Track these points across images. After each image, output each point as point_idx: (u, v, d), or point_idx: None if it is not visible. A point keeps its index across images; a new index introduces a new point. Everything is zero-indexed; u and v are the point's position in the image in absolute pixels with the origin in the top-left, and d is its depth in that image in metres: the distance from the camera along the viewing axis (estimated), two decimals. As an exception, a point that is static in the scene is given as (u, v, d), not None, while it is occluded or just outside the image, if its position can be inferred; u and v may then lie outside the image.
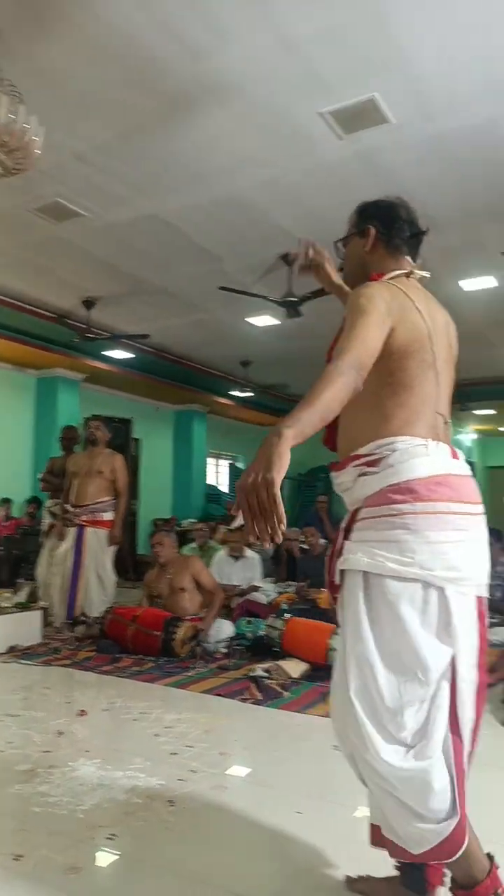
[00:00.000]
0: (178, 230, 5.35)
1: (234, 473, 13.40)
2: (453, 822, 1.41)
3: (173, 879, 1.77)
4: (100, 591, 5.18)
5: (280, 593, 6.15)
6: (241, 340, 8.41)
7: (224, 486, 13.34)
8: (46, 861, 1.84)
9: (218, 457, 13.66)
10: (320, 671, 3.88)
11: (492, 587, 5.42)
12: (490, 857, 1.50)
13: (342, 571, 1.59)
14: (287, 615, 4.42)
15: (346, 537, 1.60)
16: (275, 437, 1.27)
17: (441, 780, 1.41)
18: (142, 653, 4.30)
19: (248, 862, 1.88)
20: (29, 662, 4.18)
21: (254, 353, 9.01)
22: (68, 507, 5.33)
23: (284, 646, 4.07)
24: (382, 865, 1.84)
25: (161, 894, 1.70)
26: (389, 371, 1.53)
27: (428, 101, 3.68)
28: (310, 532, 5.94)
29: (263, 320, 7.50)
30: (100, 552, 5.24)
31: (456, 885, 1.49)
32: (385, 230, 1.69)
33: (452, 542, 1.47)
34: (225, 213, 5.03)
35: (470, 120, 3.85)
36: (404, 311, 1.54)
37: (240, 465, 13.91)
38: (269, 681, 3.66)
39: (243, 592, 5.84)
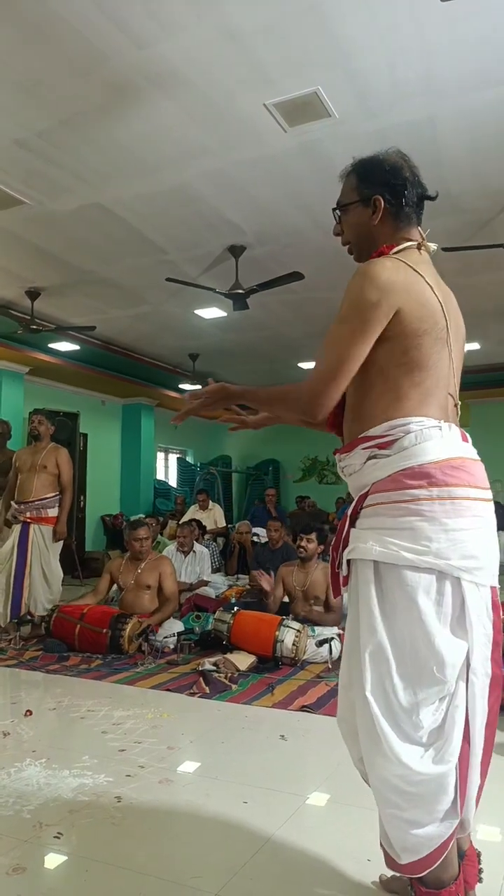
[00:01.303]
0: (124, 221, 5.28)
1: (183, 468, 13.34)
2: (453, 823, 1.39)
3: (120, 874, 1.77)
4: (45, 589, 5.09)
5: (230, 586, 6.18)
6: (189, 333, 8.37)
7: (173, 481, 13.27)
8: (-11, 864, 1.80)
9: (167, 451, 13.57)
10: (267, 663, 3.93)
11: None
12: (462, 856, 1.48)
13: (349, 562, 1.51)
14: (235, 608, 4.44)
15: (352, 524, 1.52)
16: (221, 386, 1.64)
17: (453, 784, 1.37)
18: (89, 651, 4.25)
19: (196, 853, 1.89)
20: (-28, 663, 4.08)
21: (202, 345, 8.98)
22: (13, 503, 5.21)
23: (232, 639, 4.09)
24: (329, 851, 1.89)
25: (108, 890, 1.70)
26: (404, 349, 1.44)
27: (369, 96, 3.73)
28: (274, 526, 5.98)
29: (211, 312, 7.48)
30: (45, 549, 5.14)
31: (419, 882, 1.46)
32: (394, 199, 1.54)
33: (469, 530, 1.40)
34: (170, 203, 4.99)
35: (409, 116, 3.92)
36: (411, 287, 1.44)
37: (189, 458, 13.86)
38: (218, 674, 3.67)
39: (192, 587, 5.84)
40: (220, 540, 8.05)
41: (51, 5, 3.03)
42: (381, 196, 1.54)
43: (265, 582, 4.64)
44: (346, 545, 1.53)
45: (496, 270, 6.22)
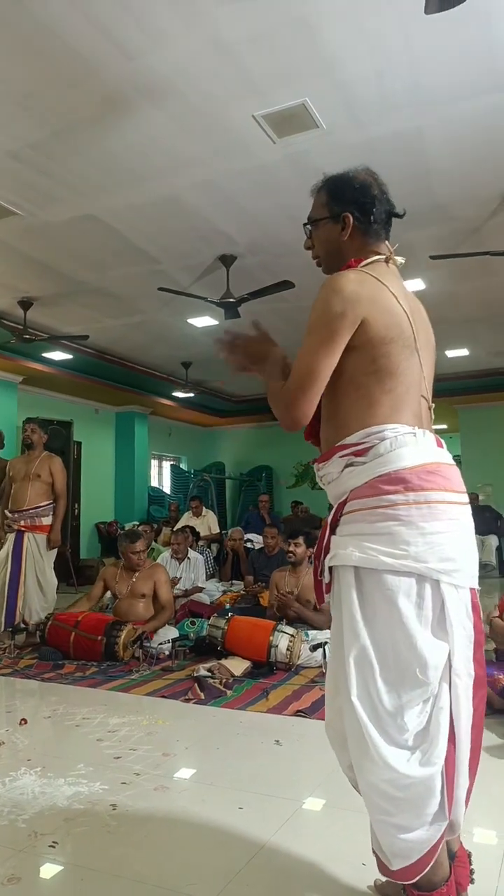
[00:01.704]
0: (116, 231, 5.31)
1: (177, 475, 13.34)
2: (442, 826, 1.40)
3: (116, 882, 1.77)
4: (40, 597, 5.09)
5: (224, 592, 6.19)
6: (182, 341, 8.40)
7: (167, 488, 13.27)
8: (-15, 873, 1.81)
9: (160, 458, 13.58)
10: (262, 668, 3.94)
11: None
12: (453, 857, 1.49)
13: (331, 569, 1.53)
14: (230, 614, 4.45)
15: (332, 532, 1.54)
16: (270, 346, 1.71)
17: (440, 786, 1.38)
18: (84, 658, 4.26)
19: (192, 860, 1.90)
20: (-34, 673, 4.07)
21: (194, 353, 9.01)
22: (7, 512, 5.21)
23: (227, 645, 4.10)
24: (324, 856, 1.90)
25: (103, 897, 1.71)
26: (372, 358, 1.48)
27: (356, 107, 3.78)
28: (270, 533, 6.00)
29: (203, 321, 7.51)
30: (39, 558, 5.14)
31: (413, 885, 1.46)
32: (363, 217, 1.59)
33: (446, 533, 1.43)
34: (162, 213, 5.02)
35: (397, 127, 3.97)
36: (377, 298, 1.49)
37: (182, 466, 13.87)
38: (212, 680, 3.68)
39: (187, 593, 5.85)
40: (214, 546, 8.06)
41: (41, 18, 3.07)
42: (351, 213, 1.59)
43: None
44: (327, 552, 1.55)
45: (484, 277, 6.29)
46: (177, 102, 3.71)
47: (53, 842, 1.98)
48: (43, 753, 2.71)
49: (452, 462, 1.54)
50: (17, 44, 3.23)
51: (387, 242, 1.64)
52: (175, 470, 13.52)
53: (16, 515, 5.15)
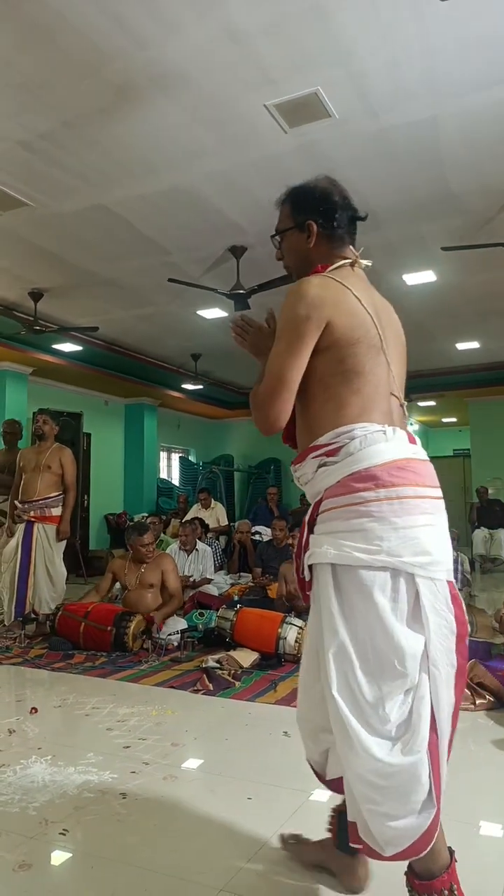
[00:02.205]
0: (126, 221, 5.30)
1: (186, 467, 13.37)
2: (431, 814, 1.42)
3: (126, 870, 1.79)
4: (49, 587, 5.11)
5: (232, 584, 6.21)
6: (191, 333, 8.39)
7: (175, 480, 13.30)
8: (-3, 859, 1.83)
9: (169, 450, 13.60)
10: (270, 660, 3.95)
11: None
12: (451, 851, 1.50)
13: (311, 567, 1.57)
14: (238, 606, 4.46)
15: (310, 531, 1.58)
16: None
17: (426, 774, 1.41)
18: (94, 649, 4.28)
19: (201, 849, 1.91)
20: (-23, 662, 4.11)
21: (204, 345, 9.00)
22: (17, 503, 5.24)
23: (235, 636, 4.12)
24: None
25: (113, 886, 1.72)
26: (339, 359, 1.53)
27: (370, 96, 3.75)
28: (279, 526, 6.01)
29: (213, 313, 7.50)
30: (49, 548, 5.16)
31: (412, 873, 1.49)
32: (327, 223, 1.65)
33: (420, 527, 1.46)
34: (173, 204, 5.01)
35: (411, 116, 3.93)
36: (340, 301, 1.54)
37: (191, 458, 13.89)
38: (221, 671, 3.69)
39: (195, 585, 5.87)
40: (223, 538, 8.08)
41: (53, 6, 3.06)
42: (314, 220, 1.65)
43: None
44: (306, 550, 1.58)
45: (497, 269, 6.23)
46: (189, 92, 3.69)
47: (64, 829, 1.99)
48: (53, 742, 2.73)
49: (425, 458, 1.58)
50: (30, 33, 3.22)
51: (351, 247, 1.69)
52: (184, 462, 13.54)
53: (26, 506, 5.17)
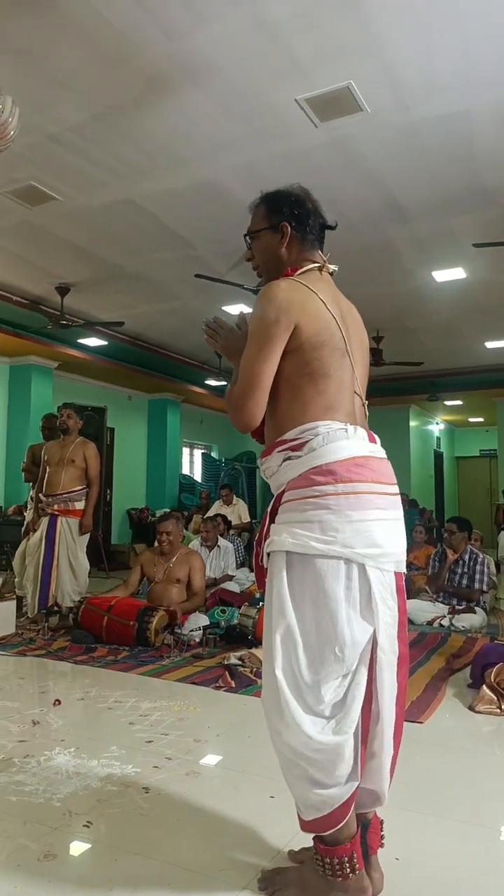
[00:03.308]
0: (153, 216, 5.30)
1: (208, 463, 13.39)
2: (353, 786, 1.53)
3: (148, 864, 1.78)
4: (72, 581, 5.15)
5: (254, 582, 6.19)
6: (216, 329, 8.38)
7: (198, 476, 13.32)
8: (22, 849, 1.83)
9: (192, 446, 13.63)
10: (294, 658, 3.92)
11: (458, 575, 5.49)
12: (365, 823, 1.63)
13: (268, 554, 1.64)
14: (261, 604, 4.44)
15: (271, 520, 1.66)
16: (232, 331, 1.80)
17: (349, 750, 1.51)
18: (116, 643, 4.30)
19: (223, 846, 1.90)
20: (3, 653, 4.14)
21: (229, 341, 8.98)
22: (41, 496, 5.28)
23: (258, 634, 4.09)
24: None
25: (136, 878, 1.71)
26: (305, 361, 1.61)
27: (402, 90, 3.69)
28: None
29: (238, 309, 7.48)
30: (72, 542, 5.20)
31: (319, 839, 1.60)
32: (299, 226, 1.73)
33: (374, 521, 1.55)
34: (200, 198, 5.00)
35: (444, 110, 3.87)
36: (307, 305, 1.61)
37: (214, 454, 13.90)
38: (243, 669, 3.68)
39: (217, 582, 5.86)
40: (245, 535, 8.06)
41: None
42: (288, 222, 1.73)
43: None
44: (266, 538, 1.66)
45: (529, 266, 6.11)
46: (219, 84, 3.67)
47: (88, 821, 1.99)
48: (76, 734, 2.74)
49: (384, 456, 1.68)
50: (59, 24, 3.22)
51: (320, 252, 1.77)
52: (206, 458, 13.56)
53: (49, 499, 5.21)
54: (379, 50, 3.39)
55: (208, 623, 4.59)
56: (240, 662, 3.76)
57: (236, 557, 6.65)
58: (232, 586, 5.80)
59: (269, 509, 1.68)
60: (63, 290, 6.93)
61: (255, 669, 3.69)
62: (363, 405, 1.72)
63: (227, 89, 3.71)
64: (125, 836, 1.92)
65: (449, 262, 6.10)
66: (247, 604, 4.55)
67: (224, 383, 10.67)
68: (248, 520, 8.71)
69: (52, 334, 8.14)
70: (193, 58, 3.46)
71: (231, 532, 7.62)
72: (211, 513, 8.16)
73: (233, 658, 3.82)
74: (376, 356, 7.97)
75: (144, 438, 11.82)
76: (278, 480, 1.67)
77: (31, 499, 5.89)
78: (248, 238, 1.82)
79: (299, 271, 1.70)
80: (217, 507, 8.62)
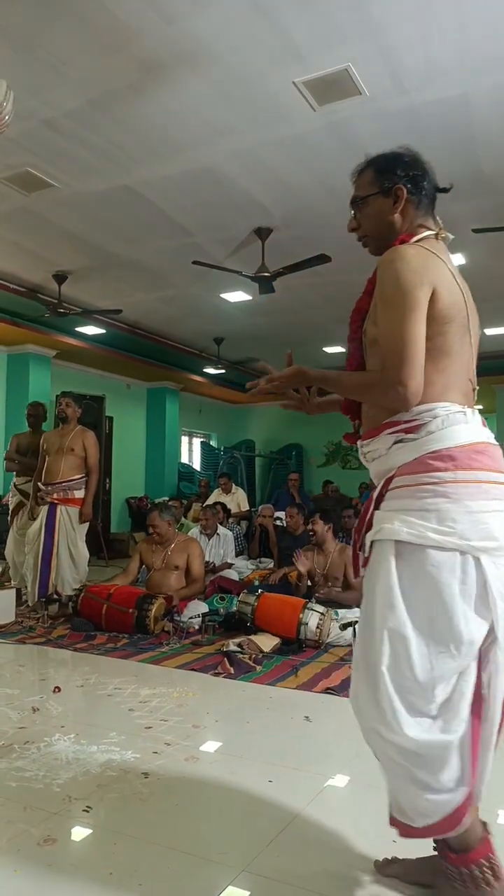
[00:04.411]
0: (151, 202, 5.26)
1: (207, 451, 13.38)
2: (464, 792, 1.41)
3: (148, 848, 1.80)
4: (72, 569, 5.16)
5: (253, 570, 6.21)
6: (215, 316, 8.35)
7: (196, 464, 13.33)
8: (22, 834, 1.85)
9: (191, 435, 13.62)
10: (291, 645, 3.95)
11: None
12: (483, 823, 1.50)
13: (371, 543, 1.54)
14: (259, 591, 4.46)
15: (376, 507, 1.55)
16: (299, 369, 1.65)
17: (458, 751, 1.41)
18: (116, 630, 4.31)
19: (222, 829, 1.92)
20: (3, 641, 4.16)
21: (227, 329, 8.96)
22: (40, 484, 5.29)
23: (257, 621, 4.11)
24: (350, 831, 1.90)
25: (136, 862, 1.73)
26: (429, 336, 1.47)
27: (401, 72, 3.66)
28: (291, 513, 5.99)
29: (236, 296, 7.45)
30: (72, 530, 5.21)
31: (447, 848, 1.49)
32: (415, 189, 1.60)
33: (491, 512, 1.44)
34: (197, 184, 4.96)
35: (442, 93, 3.83)
36: (441, 274, 1.49)
37: (213, 443, 13.89)
38: (242, 655, 3.70)
39: (216, 569, 5.88)
40: (244, 523, 8.08)
41: (80, -18, 3.01)
42: (403, 185, 1.60)
43: (301, 564, 4.62)
44: (369, 528, 1.56)
45: (529, 252, 6.08)
46: (215, 69, 3.63)
47: (87, 806, 2.01)
48: (76, 721, 2.76)
49: (497, 443, 1.55)
50: (56, 8, 3.18)
51: (435, 217, 1.64)
52: (205, 447, 13.56)
53: (49, 488, 5.21)
54: (377, 33, 3.34)
55: (207, 610, 4.61)
56: (239, 649, 3.78)
57: (235, 545, 6.66)
58: (231, 574, 5.82)
59: (373, 495, 1.57)
60: (60, 278, 6.90)
61: (253, 656, 3.71)
62: (473, 390, 1.59)
63: (224, 74, 3.67)
64: (125, 821, 1.94)
65: (449, 247, 6.06)
66: (245, 591, 4.57)
67: (222, 371, 10.65)
68: (247, 508, 8.72)
69: (50, 322, 8.10)
70: (189, 42, 3.42)
71: (230, 520, 7.63)
72: (210, 501, 8.17)
73: (232, 645, 3.84)
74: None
75: (143, 427, 11.81)
76: (386, 465, 1.54)
77: (15, 486, 5.90)
78: (353, 206, 1.67)
79: (415, 238, 1.56)
80: (216, 496, 8.63)
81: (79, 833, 1.88)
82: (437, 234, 1.60)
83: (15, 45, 3.42)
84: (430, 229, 1.60)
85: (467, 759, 1.42)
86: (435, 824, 1.44)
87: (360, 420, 1.69)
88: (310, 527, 4.62)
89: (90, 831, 1.89)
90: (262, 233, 5.73)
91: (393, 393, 1.45)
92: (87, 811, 1.98)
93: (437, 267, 1.49)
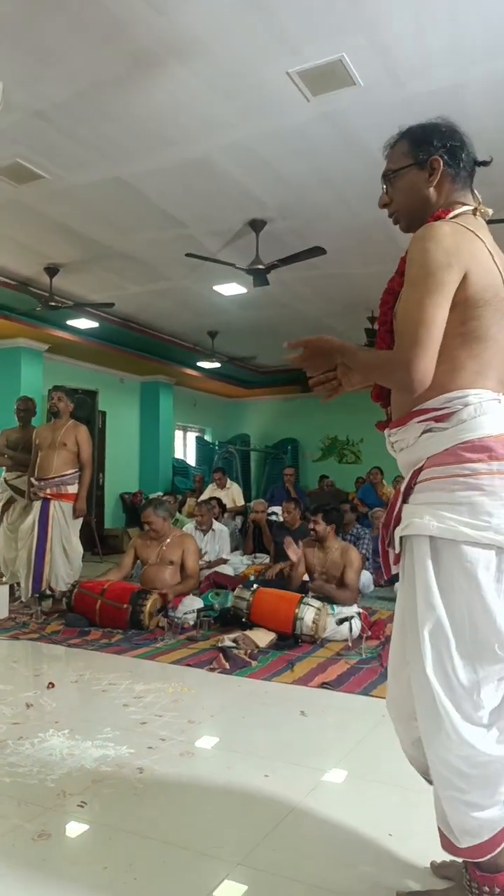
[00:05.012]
0: (143, 194, 5.21)
1: (202, 446, 13.35)
2: None
3: (143, 842, 1.79)
4: (66, 565, 5.14)
5: (248, 565, 6.20)
6: (208, 310, 8.31)
7: (191, 459, 13.30)
8: (17, 829, 1.84)
9: (185, 429, 13.59)
10: (287, 640, 3.94)
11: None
12: None
13: (402, 539, 1.47)
14: (255, 585, 4.45)
15: (404, 500, 1.47)
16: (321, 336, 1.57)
17: None
18: (110, 626, 4.30)
19: (218, 824, 1.91)
20: (-5, 636, 4.14)
21: (221, 322, 8.92)
22: (33, 480, 5.25)
23: (252, 617, 4.11)
24: (346, 824, 1.89)
25: (131, 857, 1.72)
26: (462, 320, 1.40)
27: (395, 63, 3.62)
28: (287, 508, 5.98)
29: (231, 289, 7.41)
30: (65, 525, 5.18)
31: (474, 864, 1.42)
32: (453, 161, 1.50)
33: None
34: (190, 176, 4.91)
35: (436, 84, 3.80)
36: (476, 254, 1.40)
37: (207, 437, 13.86)
38: (237, 651, 3.69)
39: (211, 565, 5.86)
40: (239, 518, 8.07)
41: (70, -30, 2.97)
42: (440, 157, 1.50)
43: (292, 552, 4.59)
44: (398, 523, 1.48)
45: (523, 245, 6.06)
46: (207, 60, 3.59)
47: (82, 801, 2.00)
48: (70, 717, 2.74)
49: None
50: (45, -3, 3.13)
51: (473, 192, 1.54)
52: (200, 441, 13.52)
53: (42, 483, 5.18)
54: (371, 23, 3.31)
55: (202, 606, 4.60)
56: (234, 644, 3.77)
57: (231, 541, 6.65)
58: (226, 569, 5.81)
59: (401, 488, 1.48)
60: (52, 271, 6.84)
61: (249, 651, 3.70)
62: None
63: (217, 64, 3.63)
64: (119, 816, 1.93)
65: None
66: (241, 586, 4.56)
67: (216, 365, 10.60)
68: (243, 503, 8.71)
69: (42, 316, 8.04)
70: (181, 33, 3.38)
71: (225, 515, 7.62)
72: (205, 496, 8.15)
73: (227, 640, 3.83)
74: (370, 335, 7.93)
75: (137, 422, 11.76)
76: (414, 455, 1.46)
77: (5, 481, 5.87)
78: (385, 179, 1.58)
79: (451, 214, 1.47)
80: (211, 491, 8.61)
81: (73, 828, 1.87)
82: (475, 210, 1.50)
83: (4, 35, 3.37)
84: (467, 205, 1.50)
85: None
86: (479, 845, 1.36)
87: (390, 407, 1.60)
88: (311, 526, 4.58)
89: (85, 826, 1.88)
90: (257, 225, 5.69)
91: (399, 375, 1.38)
92: (82, 806, 1.97)
93: (472, 246, 1.40)
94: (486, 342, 1.42)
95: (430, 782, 1.49)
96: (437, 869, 1.65)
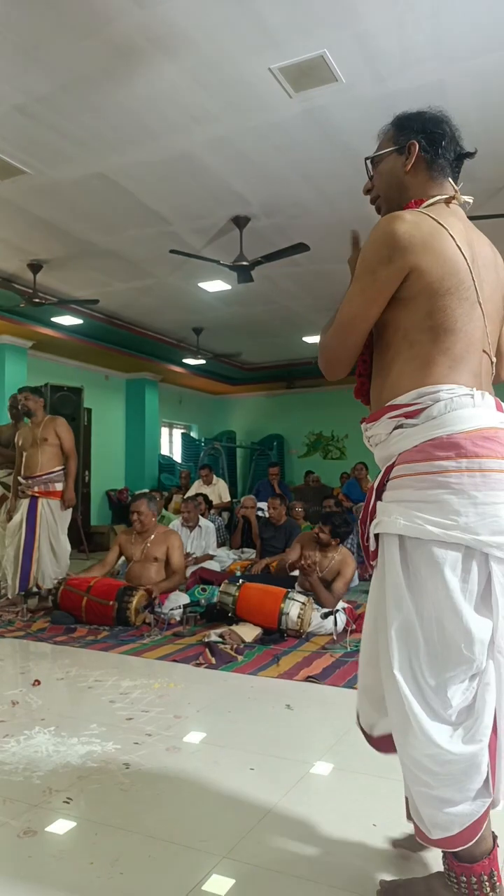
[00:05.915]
0: (126, 190, 5.20)
1: (188, 443, 13.34)
2: (485, 802, 1.35)
3: (129, 838, 1.79)
4: (53, 562, 5.14)
5: (235, 560, 6.21)
6: (193, 306, 8.30)
7: (177, 456, 13.28)
8: (2, 826, 1.83)
9: (171, 426, 13.56)
10: (272, 635, 3.96)
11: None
12: (494, 836, 1.43)
13: (377, 536, 1.47)
14: (240, 581, 4.46)
15: (378, 497, 1.46)
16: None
17: (485, 762, 1.33)
18: (96, 622, 4.29)
19: (204, 818, 1.92)
20: (-20, 635, 4.12)
21: (206, 319, 8.91)
22: (20, 478, 5.24)
23: (238, 612, 4.12)
24: (331, 817, 1.91)
25: (117, 852, 1.72)
26: (427, 312, 1.37)
27: (377, 60, 3.64)
28: (273, 504, 5.99)
29: (215, 285, 7.40)
30: (53, 523, 5.17)
31: (452, 855, 1.41)
32: (430, 147, 1.48)
33: (501, 504, 1.33)
34: (174, 172, 4.90)
35: (419, 80, 3.82)
36: (431, 243, 1.36)
37: (193, 434, 13.84)
38: (223, 646, 3.70)
39: (198, 560, 5.87)
40: (225, 514, 8.08)
41: (50, -37, 2.95)
42: (417, 141, 1.49)
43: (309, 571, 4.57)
44: (373, 518, 1.47)
45: (505, 241, 6.11)
46: (190, 54, 3.58)
47: (68, 798, 2.00)
48: (56, 713, 2.74)
49: None
50: (25, -10, 3.11)
51: (452, 181, 1.51)
52: (186, 438, 13.50)
53: (29, 481, 5.17)
54: (353, 19, 3.32)
55: (188, 601, 4.61)
56: (220, 639, 3.78)
57: (217, 536, 6.65)
58: (213, 565, 5.82)
59: (374, 484, 1.48)
60: (35, 267, 6.80)
61: (235, 646, 3.71)
62: (491, 364, 1.47)
63: (198, 60, 3.62)
64: (106, 811, 1.93)
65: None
66: (226, 581, 4.57)
67: (202, 362, 10.61)
68: (229, 499, 8.71)
69: (26, 313, 7.99)
70: (163, 27, 3.37)
71: (212, 511, 7.62)
72: (191, 492, 8.14)
73: (213, 635, 3.84)
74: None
75: (122, 419, 11.72)
76: (386, 451, 1.44)
77: None
78: (369, 165, 1.57)
79: (425, 203, 1.46)
80: (197, 487, 8.61)
81: (59, 825, 1.87)
82: (448, 200, 1.47)
83: (-16, 27, 3.34)
84: (443, 194, 1.48)
85: (489, 768, 1.34)
86: (452, 837, 1.36)
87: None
88: (316, 531, 4.59)
89: (71, 823, 1.88)
90: (240, 221, 5.69)
91: (320, 353, 1.47)
92: (68, 802, 1.97)
93: (428, 238, 1.37)
94: (456, 335, 1.39)
95: (370, 736, 1.59)
96: (395, 843, 1.73)
